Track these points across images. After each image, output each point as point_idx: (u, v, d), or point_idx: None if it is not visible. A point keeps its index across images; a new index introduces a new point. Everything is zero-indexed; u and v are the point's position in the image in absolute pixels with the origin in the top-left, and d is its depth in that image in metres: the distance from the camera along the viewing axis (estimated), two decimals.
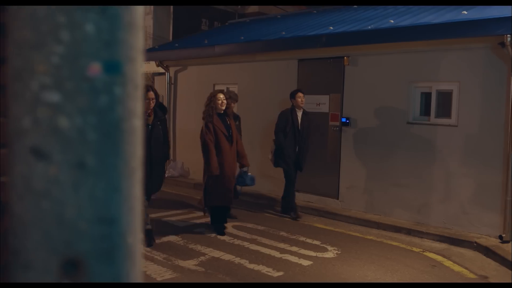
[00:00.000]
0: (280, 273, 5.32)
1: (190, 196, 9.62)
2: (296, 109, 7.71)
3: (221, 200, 6.68)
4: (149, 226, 6.27)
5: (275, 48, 8.90)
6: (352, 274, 5.33)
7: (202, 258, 5.80)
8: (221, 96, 6.67)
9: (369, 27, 7.68)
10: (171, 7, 16.66)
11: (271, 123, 9.42)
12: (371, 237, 6.90)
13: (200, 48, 10.35)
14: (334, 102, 8.26)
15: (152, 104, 6.10)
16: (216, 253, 5.95)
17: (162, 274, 5.22)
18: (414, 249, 6.41)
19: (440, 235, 6.84)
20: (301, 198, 8.69)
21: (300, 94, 7.67)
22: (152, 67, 12.45)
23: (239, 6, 17.85)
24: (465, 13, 6.94)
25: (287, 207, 7.95)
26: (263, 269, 5.44)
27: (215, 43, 10.09)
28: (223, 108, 6.65)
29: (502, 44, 6.19)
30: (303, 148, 7.73)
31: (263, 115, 9.49)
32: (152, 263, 5.58)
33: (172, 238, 6.60)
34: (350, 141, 8.08)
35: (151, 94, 6.09)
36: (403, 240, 6.77)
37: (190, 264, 5.58)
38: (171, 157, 11.76)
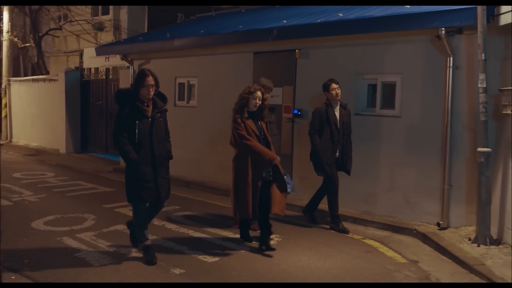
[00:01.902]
0: (216, 259, 5.47)
1: None
2: (332, 104, 6.72)
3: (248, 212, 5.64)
4: (148, 242, 5.44)
5: (231, 41, 9.04)
6: (286, 260, 5.49)
7: None
8: (259, 94, 5.67)
9: (319, 20, 7.84)
10: None
11: (230, 115, 9.55)
12: (317, 226, 7.07)
13: (161, 42, 10.47)
14: (287, 94, 8.42)
15: (152, 92, 5.17)
16: (159, 241, 6.08)
17: (101, 261, 5.33)
18: (355, 236, 6.60)
19: (384, 223, 7.03)
20: None
21: (334, 85, 6.68)
22: (117, 60, 12.54)
23: None
24: (408, 7, 7.11)
25: (311, 206, 7.20)
26: (200, 255, 5.59)
27: (176, 37, 10.20)
28: (255, 108, 5.71)
29: (439, 37, 6.38)
30: (346, 148, 6.76)
31: (222, 107, 9.61)
32: (95, 250, 5.70)
33: (120, 227, 6.68)
34: (302, 132, 8.22)
35: (150, 80, 5.12)
36: (348, 228, 6.94)
37: (131, 251, 5.69)
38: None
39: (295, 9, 10.03)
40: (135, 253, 5.62)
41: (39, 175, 10.74)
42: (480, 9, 5.73)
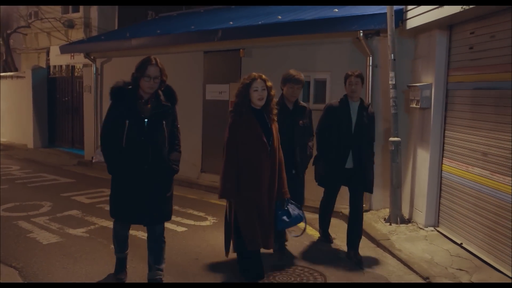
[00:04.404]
0: None
1: (110, 178, 10.28)
2: (349, 100, 5.48)
3: (257, 242, 4.50)
4: (121, 255, 4.72)
5: (183, 41, 9.69)
6: (216, 237, 6.17)
7: (92, 227, 6.57)
8: (259, 83, 4.38)
9: (259, 22, 8.52)
10: None
11: (184, 114, 10.21)
12: None
13: (120, 41, 11.06)
14: (233, 91, 9.05)
15: (154, 87, 4.18)
16: (106, 223, 6.71)
17: (49, 239, 5.98)
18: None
19: (315, 207, 7.62)
20: (206, 178, 9.57)
21: (352, 79, 5.39)
22: (82, 58, 13.07)
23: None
24: (336, 11, 7.85)
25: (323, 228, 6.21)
26: (139, 234, 6.20)
27: (134, 36, 10.80)
28: (262, 102, 4.41)
29: (358, 39, 7.11)
30: (361, 155, 5.39)
31: (178, 106, 10.26)
32: (45, 231, 6.32)
33: (73, 212, 7.34)
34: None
35: (154, 71, 4.13)
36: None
37: (78, 231, 6.34)
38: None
39: (246, 10, 10.72)
40: (81, 233, 6.27)
41: (4, 169, 11.26)
42: (389, 15, 6.47)
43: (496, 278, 4.80)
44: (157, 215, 4.32)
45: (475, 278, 4.81)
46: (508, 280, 4.71)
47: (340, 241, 6.23)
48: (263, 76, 4.44)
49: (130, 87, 4.20)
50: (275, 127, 4.54)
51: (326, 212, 6.14)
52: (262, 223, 4.46)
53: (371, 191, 5.72)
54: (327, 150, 5.45)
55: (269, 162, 4.42)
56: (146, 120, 4.15)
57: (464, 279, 4.82)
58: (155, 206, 4.25)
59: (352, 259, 5.45)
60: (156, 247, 4.47)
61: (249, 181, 4.41)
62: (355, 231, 5.62)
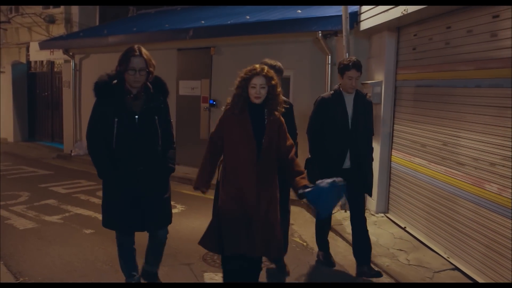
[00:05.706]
0: None
1: (88, 170, 10.68)
2: (344, 92, 4.84)
3: (230, 247, 3.82)
4: (131, 280, 4.16)
5: (157, 39, 10.11)
6: (182, 223, 6.66)
7: (67, 214, 7.02)
8: (259, 79, 3.83)
9: (228, 22, 8.99)
10: None
11: None
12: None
13: (98, 38, 11.46)
14: (205, 87, 9.58)
15: (141, 79, 3.80)
16: (80, 211, 7.16)
17: (25, 225, 6.41)
18: None
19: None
20: (180, 171, 9.99)
21: (352, 72, 4.70)
22: (61, 54, 13.41)
23: None
24: (300, 12, 8.34)
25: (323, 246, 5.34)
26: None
27: (112, 34, 11.20)
28: (259, 101, 3.86)
29: (318, 39, 7.62)
30: (360, 152, 4.87)
31: None
32: (22, 218, 6.75)
33: (50, 201, 7.76)
34: (217, 120, 9.41)
35: (138, 62, 3.73)
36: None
37: (54, 218, 6.78)
38: (80, 139, 12.76)
39: (218, 9, 11.18)
40: (56, 219, 6.71)
41: None
42: (344, 17, 6.96)
43: (429, 256, 5.36)
44: (158, 219, 4.01)
45: (411, 257, 5.36)
46: (439, 258, 5.26)
47: (298, 226, 6.73)
48: (265, 71, 3.83)
49: (115, 81, 3.84)
50: (272, 124, 3.90)
51: (322, 227, 5.28)
52: (233, 226, 3.82)
53: (370, 193, 5.09)
54: (321, 151, 4.81)
55: (256, 160, 3.84)
56: (136, 116, 3.83)
57: (402, 258, 5.36)
58: (155, 209, 3.95)
59: (367, 275, 4.82)
60: (159, 249, 4.25)
61: (232, 175, 3.90)
62: (364, 243, 4.94)
